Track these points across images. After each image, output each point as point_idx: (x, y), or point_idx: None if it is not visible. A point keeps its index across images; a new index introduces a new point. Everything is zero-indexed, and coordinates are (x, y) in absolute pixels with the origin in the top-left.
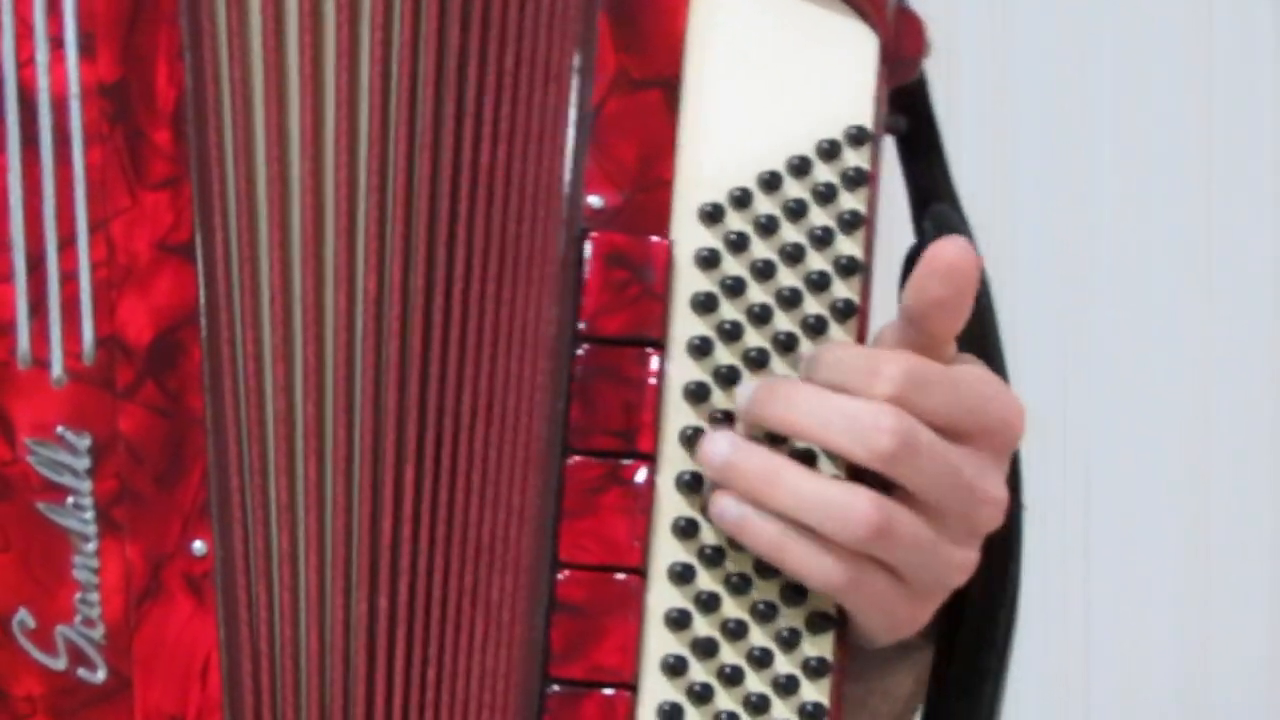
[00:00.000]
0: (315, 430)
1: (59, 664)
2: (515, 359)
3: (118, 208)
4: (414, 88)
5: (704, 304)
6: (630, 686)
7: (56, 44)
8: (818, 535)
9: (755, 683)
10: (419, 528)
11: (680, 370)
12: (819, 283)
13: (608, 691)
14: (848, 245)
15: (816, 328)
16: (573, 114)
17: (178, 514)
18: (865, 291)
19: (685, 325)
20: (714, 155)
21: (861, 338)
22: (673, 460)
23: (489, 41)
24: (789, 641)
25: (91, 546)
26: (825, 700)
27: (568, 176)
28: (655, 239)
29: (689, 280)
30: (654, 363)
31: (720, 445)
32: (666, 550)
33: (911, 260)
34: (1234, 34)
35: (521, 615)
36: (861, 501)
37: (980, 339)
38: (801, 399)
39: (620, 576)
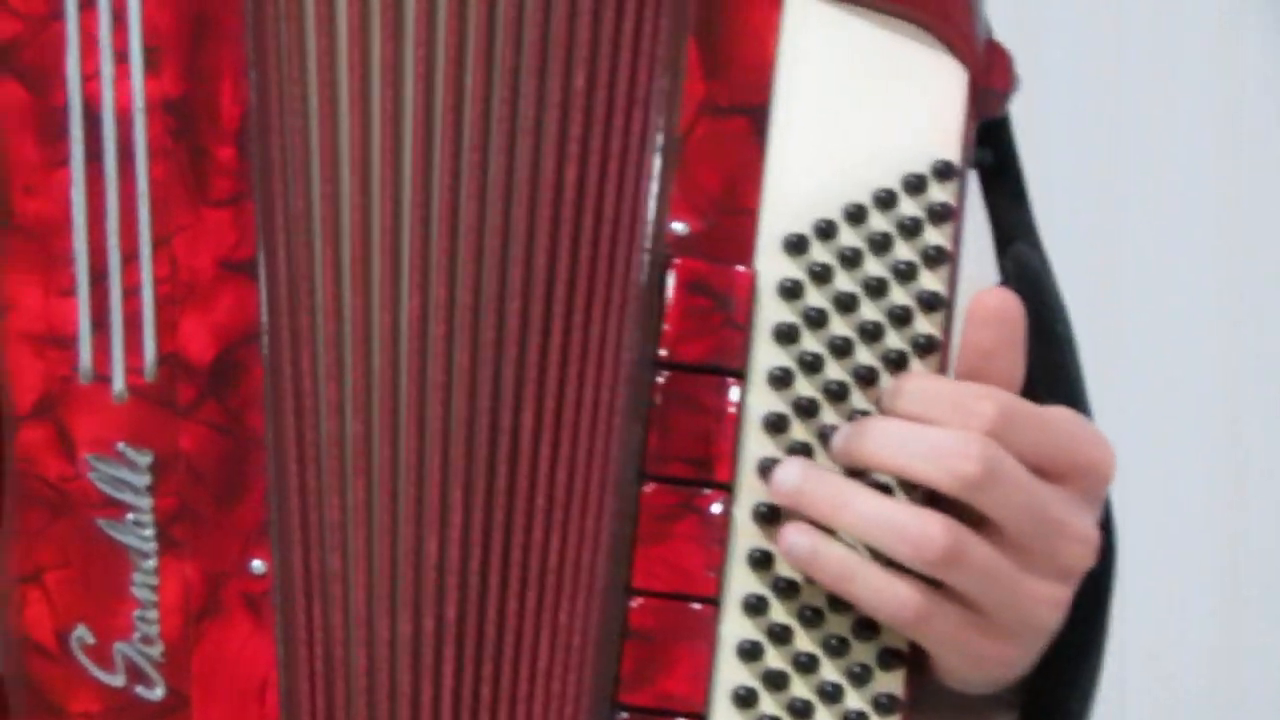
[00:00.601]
0: (363, 450)
1: (117, 681)
2: (590, 382)
3: (181, 224)
4: (459, 105)
5: (785, 335)
6: (699, 716)
7: (121, 58)
8: (888, 563)
9: (824, 717)
10: (469, 548)
11: (760, 400)
12: (901, 317)
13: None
14: (931, 280)
15: (897, 362)
16: (659, 139)
17: (237, 533)
18: (947, 328)
19: (766, 355)
20: (799, 185)
21: (941, 374)
22: (750, 491)
23: (551, 61)
24: (859, 677)
25: (151, 564)
26: None
27: (652, 201)
28: (738, 268)
29: (771, 310)
30: (733, 392)
31: (791, 471)
32: (741, 581)
33: None
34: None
35: (592, 641)
36: (933, 524)
37: (1062, 385)
38: (886, 429)
39: (693, 605)
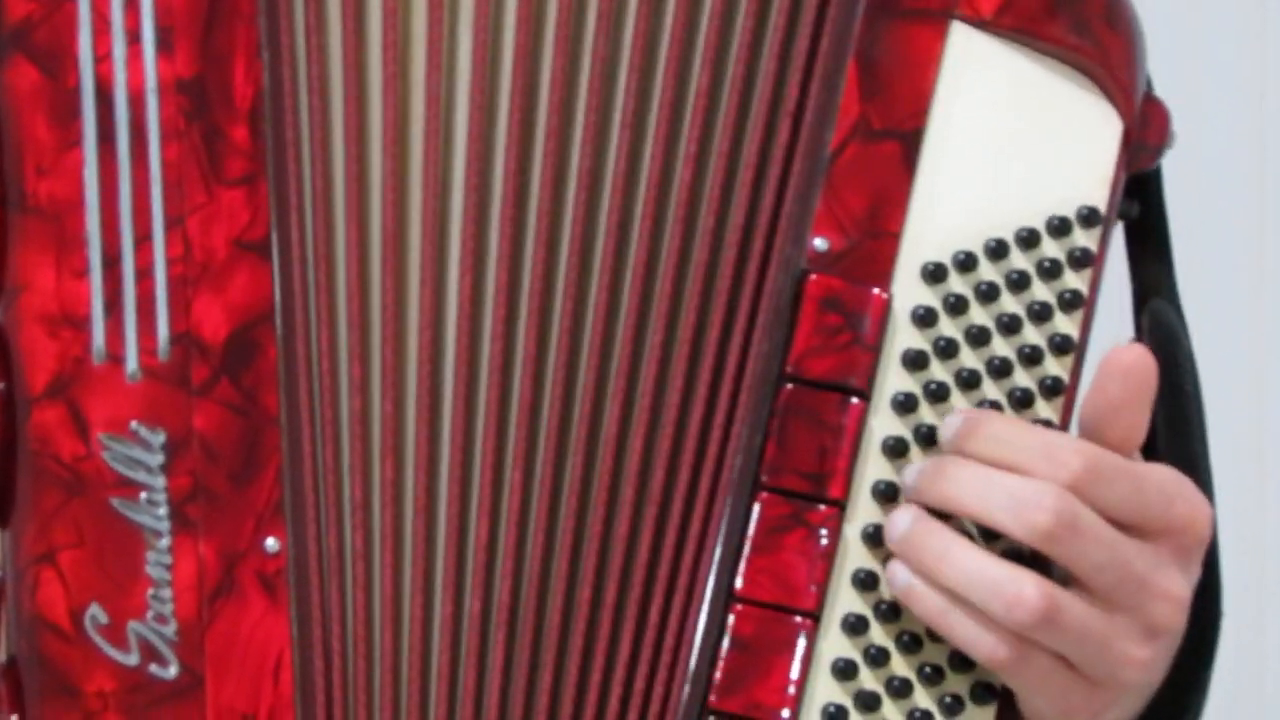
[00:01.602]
0: (392, 429)
1: (131, 660)
2: (703, 384)
3: (194, 204)
4: (530, 91)
5: (914, 361)
6: None
7: (134, 39)
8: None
9: None
10: (528, 533)
11: (882, 423)
12: (1031, 357)
13: None
14: (1064, 324)
15: (1023, 401)
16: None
17: (251, 512)
18: (1075, 373)
19: (893, 380)
20: (943, 215)
21: (1065, 420)
22: (862, 511)
23: (661, 56)
24: (951, 708)
25: (165, 543)
26: None
27: (786, 211)
28: (874, 290)
29: (903, 336)
30: (855, 411)
31: (902, 519)
32: (844, 599)
33: None
34: None
35: (687, 641)
36: (1028, 587)
37: (1184, 442)
38: (966, 475)
39: (794, 618)
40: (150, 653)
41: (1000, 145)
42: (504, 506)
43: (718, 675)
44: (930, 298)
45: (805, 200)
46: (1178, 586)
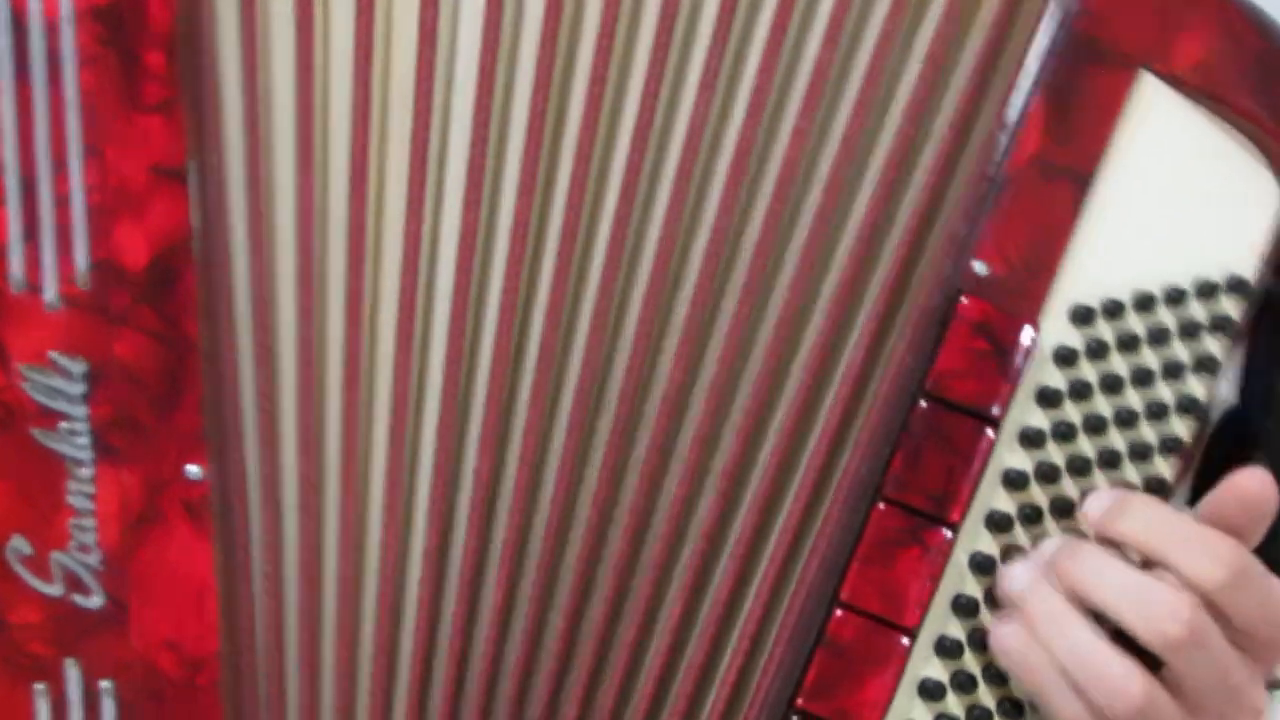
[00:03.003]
0: (355, 356)
1: (55, 590)
2: (841, 385)
3: (111, 132)
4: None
5: (1049, 399)
6: None
7: None
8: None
9: None
10: (542, 475)
11: (1007, 455)
12: (1157, 413)
13: None
14: (1194, 385)
15: (1142, 454)
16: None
17: (174, 439)
18: (1198, 436)
19: (1024, 413)
20: (1100, 261)
21: (1178, 478)
22: (973, 537)
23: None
24: None
25: (87, 472)
26: None
27: (950, 229)
28: (1025, 322)
29: (1042, 372)
30: (986, 439)
31: (1021, 576)
32: (942, 621)
33: (1226, 424)
34: None
35: (783, 637)
36: (1135, 682)
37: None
38: (1108, 568)
39: (894, 633)
40: (74, 583)
41: (1164, 202)
42: (512, 443)
43: (809, 677)
44: (1075, 339)
45: (973, 221)
46: (1261, 700)
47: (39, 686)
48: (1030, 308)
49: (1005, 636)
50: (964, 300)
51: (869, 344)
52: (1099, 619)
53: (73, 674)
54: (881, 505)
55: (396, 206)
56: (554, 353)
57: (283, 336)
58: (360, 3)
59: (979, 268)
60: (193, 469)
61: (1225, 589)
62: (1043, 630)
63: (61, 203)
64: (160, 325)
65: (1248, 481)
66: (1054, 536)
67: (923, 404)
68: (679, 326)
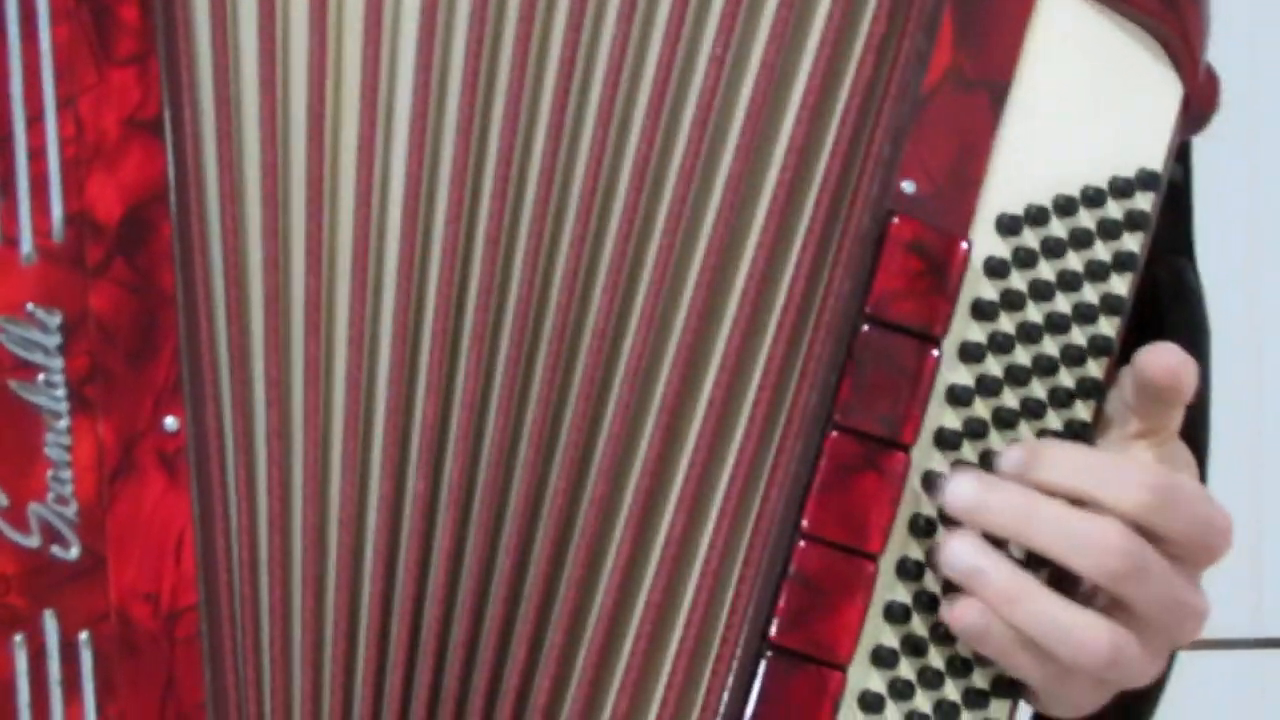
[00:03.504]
0: (316, 306)
1: (32, 542)
2: (781, 316)
3: (85, 84)
4: None
5: (984, 312)
6: (842, 668)
7: None
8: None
9: (951, 690)
10: (486, 417)
11: (949, 372)
12: (1086, 315)
13: (821, 667)
14: (1118, 285)
15: (1075, 359)
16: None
17: (150, 391)
18: (1120, 332)
19: (963, 328)
20: (1021, 168)
21: (1109, 378)
22: (926, 457)
23: None
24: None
25: (64, 424)
26: (1004, 718)
27: (875, 152)
28: (958, 238)
29: (976, 286)
30: (930, 358)
31: (963, 552)
32: (902, 544)
33: (1140, 302)
34: None
35: (748, 576)
36: (1101, 635)
37: (1201, 417)
38: (1038, 512)
39: (859, 560)
40: (51, 534)
41: (1077, 105)
42: (458, 389)
43: (779, 611)
44: (1003, 250)
45: (895, 141)
46: (1203, 605)
47: (17, 638)
48: (960, 222)
49: (962, 615)
50: (895, 221)
51: (808, 273)
52: (1038, 561)
53: (51, 626)
54: (834, 433)
55: (349, 157)
56: (492, 293)
57: (252, 289)
58: None
59: (907, 187)
60: (170, 421)
61: (1153, 510)
62: (1000, 605)
63: (36, 156)
64: (135, 278)
65: (1156, 360)
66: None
67: (865, 328)
68: (608, 261)
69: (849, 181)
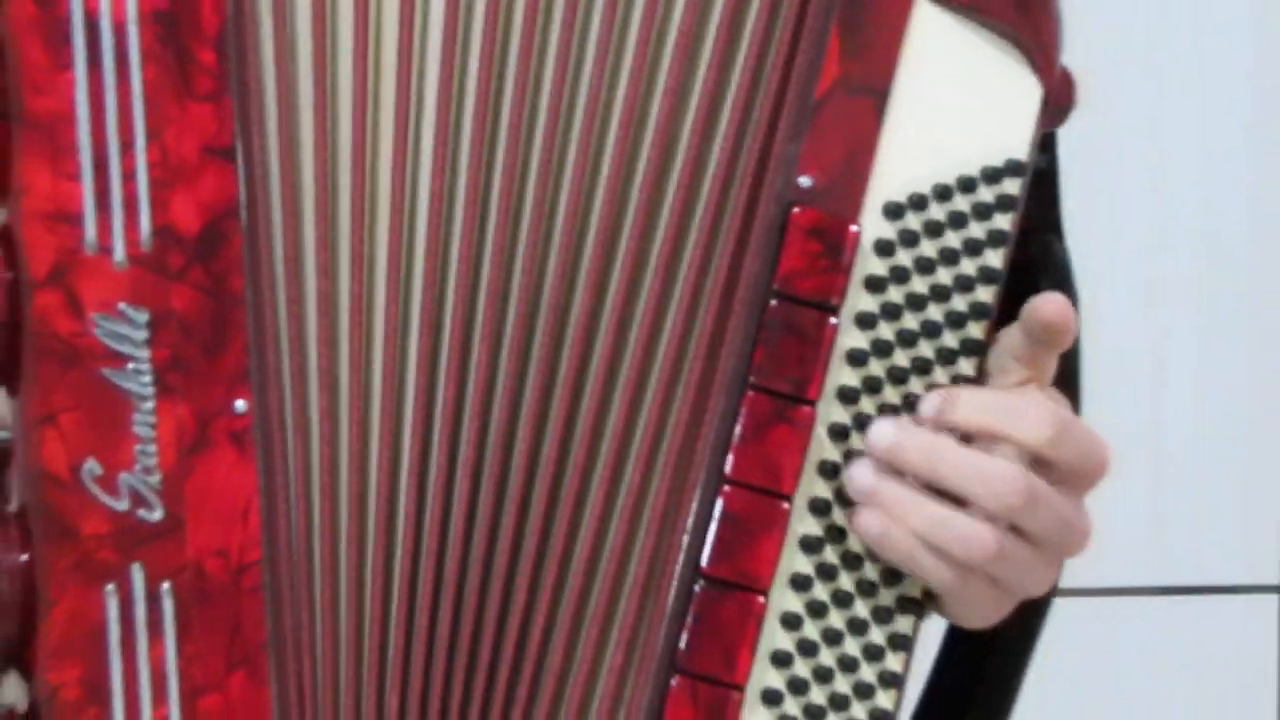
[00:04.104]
0: (359, 307)
1: (122, 505)
2: (706, 297)
3: (169, 117)
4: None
5: (875, 285)
6: (764, 593)
7: None
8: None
9: (861, 608)
10: (494, 396)
11: (847, 337)
12: (965, 285)
13: (747, 593)
14: (992, 258)
15: (957, 323)
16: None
17: (222, 378)
18: (998, 298)
19: (857, 299)
20: (904, 162)
21: (988, 338)
22: (829, 411)
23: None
24: (894, 574)
25: (149, 405)
26: (910, 631)
27: (776, 153)
28: (850, 223)
29: (867, 263)
30: (830, 326)
31: (863, 475)
32: (812, 485)
33: (1013, 274)
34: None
35: (684, 513)
36: (987, 532)
37: (1073, 369)
38: (944, 452)
39: (776, 500)
40: (138, 499)
41: (949, 105)
42: (475, 375)
43: (709, 546)
44: (890, 232)
45: (793, 143)
46: (1088, 524)
47: (109, 587)
48: (852, 210)
49: (865, 523)
50: (796, 210)
51: (729, 259)
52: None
53: (138, 577)
54: (750, 393)
55: (385, 180)
56: (498, 294)
57: (307, 292)
58: (357, 31)
59: (805, 181)
60: (239, 404)
61: (1052, 444)
62: (897, 511)
63: (128, 178)
64: (210, 282)
65: (1047, 305)
66: (881, 417)
67: (774, 303)
68: (587, 263)
69: (760, 180)
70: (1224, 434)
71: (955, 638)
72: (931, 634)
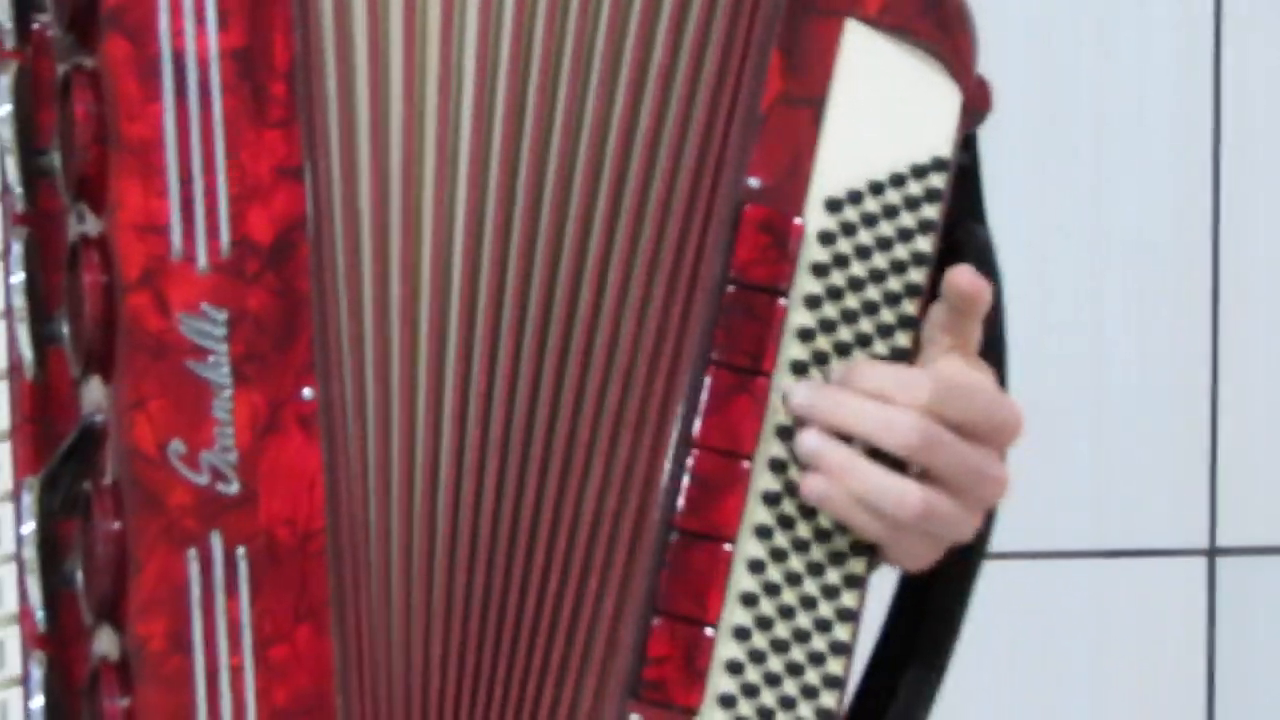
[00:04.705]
0: (409, 307)
1: (203, 480)
2: (674, 288)
3: (245, 141)
4: (527, 52)
5: (820, 270)
6: (732, 541)
7: (200, 19)
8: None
9: (817, 553)
10: (518, 383)
11: (796, 316)
12: (899, 267)
13: (715, 543)
14: (922, 243)
15: (893, 301)
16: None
17: (291, 370)
18: (929, 279)
19: (804, 283)
20: (840, 163)
21: (921, 313)
22: (783, 380)
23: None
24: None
25: (228, 393)
26: (862, 572)
27: (729, 159)
28: (794, 217)
29: (811, 251)
30: (780, 308)
31: (810, 439)
32: (770, 446)
33: (942, 256)
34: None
35: (658, 474)
36: (912, 490)
37: (995, 343)
38: (850, 403)
39: (739, 461)
40: (217, 474)
41: (878, 111)
42: (500, 363)
43: (681, 502)
44: (831, 223)
45: (743, 151)
46: (1001, 473)
47: (190, 552)
48: (796, 205)
49: (809, 485)
50: (748, 208)
51: (694, 253)
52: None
53: (216, 543)
54: (713, 368)
55: (429, 197)
56: (520, 292)
57: (365, 295)
58: (406, 68)
59: (754, 183)
60: (307, 392)
61: (934, 403)
62: (837, 473)
63: (209, 194)
64: (280, 285)
65: (960, 276)
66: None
67: (731, 289)
68: (591, 266)
69: (717, 184)
70: (1158, 409)
71: (903, 582)
72: (884, 585)
